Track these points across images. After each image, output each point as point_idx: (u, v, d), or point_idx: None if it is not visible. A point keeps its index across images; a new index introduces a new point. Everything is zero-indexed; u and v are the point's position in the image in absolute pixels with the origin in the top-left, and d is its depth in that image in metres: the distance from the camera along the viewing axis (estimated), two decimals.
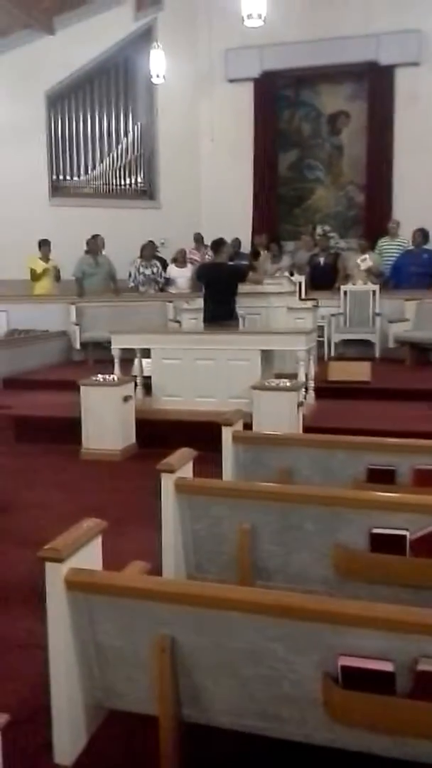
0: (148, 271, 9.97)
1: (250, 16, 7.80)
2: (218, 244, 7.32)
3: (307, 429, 5.34)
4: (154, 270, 10.03)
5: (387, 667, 1.74)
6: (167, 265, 10.56)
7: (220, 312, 6.90)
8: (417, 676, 1.72)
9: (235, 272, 7.07)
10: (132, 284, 10.00)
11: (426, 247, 9.60)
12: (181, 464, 2.92)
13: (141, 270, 9.96)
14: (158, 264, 10.17)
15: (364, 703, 1.77)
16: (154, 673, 1.98)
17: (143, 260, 10.00)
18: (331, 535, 2.64)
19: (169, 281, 10.17)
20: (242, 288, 7.15)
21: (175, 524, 2.85)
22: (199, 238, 10.66)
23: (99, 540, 2.22)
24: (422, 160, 10.78)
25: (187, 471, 2.97)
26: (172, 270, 10.18)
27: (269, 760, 2.12)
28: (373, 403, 6.65)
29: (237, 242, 10.68)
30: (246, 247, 10.80)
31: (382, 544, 2.50)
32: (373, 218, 11.23)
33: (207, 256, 10.21)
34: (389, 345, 8.77)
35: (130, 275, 10.02)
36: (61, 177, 11.62)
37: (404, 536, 2.46)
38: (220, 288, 6.91)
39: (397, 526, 2.52)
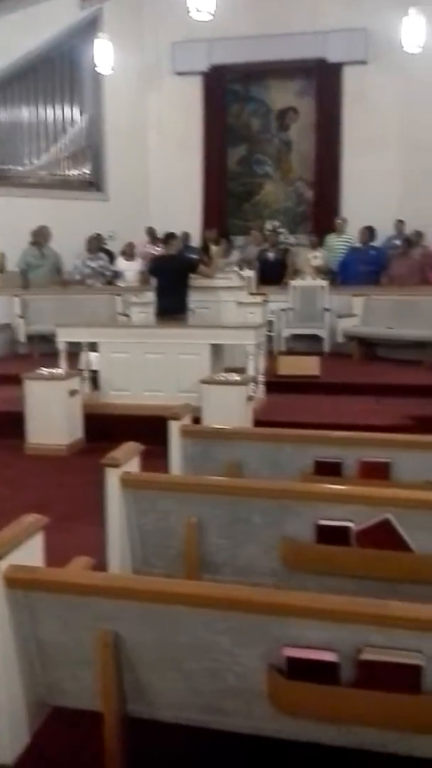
0: (94, 264, 9.85)
1: (197, 10, 7.77)
2: (169, 237, 7.29)
3: (256, 423, 5.36)
4: (101, 263, 9.92)
5: (331, 657, 1.74)
6: (114, 258, 10.45)
7: (173, 304, 6.86)
8: (360, 666, 1.74)
9: (187, 264, 7.05)
10: (78, 277, 9.86)
11: (372, 244, 9.75)
12: (127, 458, 2.88)
13: (87, 263, 9.83)
14: (105, 257, 10.06)
15: (309, 694, 1.77)
16: (98, 669, 1.94)
17: (89, 253, 9.88)
18: (279, 527, 2.64)
19: (117, 274, 10.06)
20: (192, 282, 7.12)
21: (120, 519, 2.81)
22: (152, 232, 10.56)
23: (40, 536, 2.17)
24: (369, 157, 10.92)
25: (133, 465, 2.94)
26: (121, 263, 10.07)
27: (216, 753, 2.10)
28: (322, 397, 6.72)
29: (186, 236, 10.64)
30: (195, 241, 10.77)
31: (328, 535, 2.51)
32: (322, 214, 11.32)
33: (156, 249, 10.17)
34: (338, 340, 8.88)
35: (75, 268, 9.89)
36: (4, 166, 11.35)
37: (349, 528, 2.48)
38: (173, 280, 6.87)
39: (343, 517, 2.54)
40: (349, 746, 1.87)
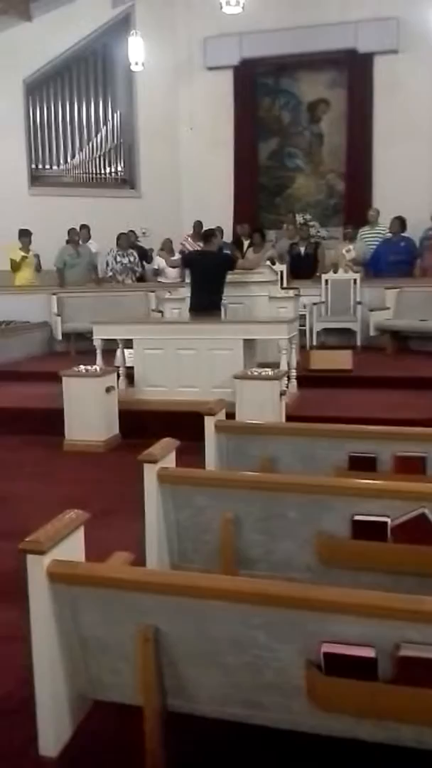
0: (125, 260, 9.94)
1: (228, 3, 7.76)
2: (210, 234, 7.29)
3: (289, 418, 5.36)
4: (131, 259, 10.01)
5: (369, 653, 1.75)
6: (146, 254, 10.51)
7: (209, 301, 6.85)
8: (398, 662, 1.74)
9: (225, 261, 7.03)
10: (110, 273, 9.97)
11: (404, 234, 9.63)
12: (164, 454, 2.91)
13: (118, 259, 9.93)
14: (135, 253, 10.14)
15: (346, 690, 1.79)
16: (138, 664, 1.98)
17: (119, 249, 9.97)
18: (314, 522, 2.65)
19: (158, 271, 10.13)
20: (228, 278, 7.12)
21: (158, 514, 2.84)
22: (197, 225, 10.53)
23: (81, 531, 2.21)
24: (401, 148, 10.80)
25: (169, 461, 2.97)
26: (160, 260, 10.13)
27: (255, 748, 2.13)
28: (354, 391, 6.68)
29: (219, 231, 10.63)
30: (228, 237, 10.76)
31: (364, 530, 2.51)
32: (354, 207, 11.23)
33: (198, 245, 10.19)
34: (370, 333, 8.81)
35: (107, 264, 10.00)
36: (40, 166, 11.51)
37: (386, 523, 2.48)
38: (209, 277, 6.87)
39: (378, 512, 2.54)
40: (387, 742, 1.88)
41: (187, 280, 7.36)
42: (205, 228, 7.55)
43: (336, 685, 1.79)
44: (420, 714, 1.77)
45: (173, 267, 7.07)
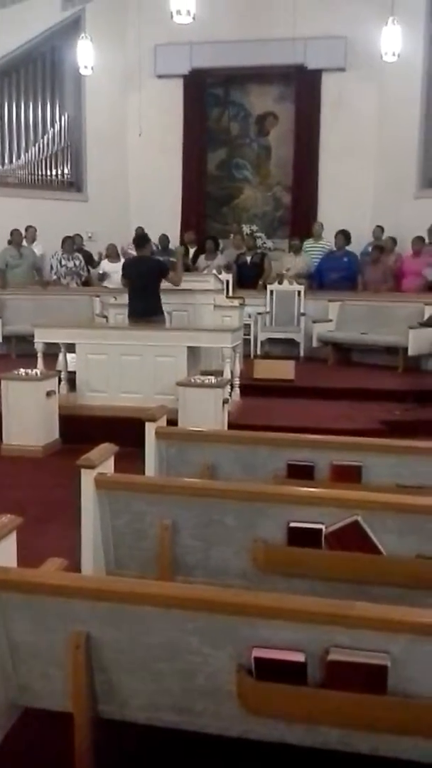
0: (70, 264, 9.86)
1: (179, 12, 7.79)
2: (142, 239, 7.28)
3: (231, 426, 5.39)
4: (76, 263, 9.93)
5: (299, 657, 1.78)
6: (92, 258, 10.44)
7: (145, 307, 6.84)
8: (327, 666, 1.77)
9: (157, 266, 7.03)
10: (54, 277, 9.86)
11: (347, 249, 9.84)
12: (102, 460, 2.89)
13: (63, 262, 9.84)
14: (80, 257, 10.07)
15: (276, 694, 1.80)
16: (69, 670, 1.96)
17: (64, 252, 9.88)
18: (251, 529, 2.67)
19: (103, 276, 10.07)
20: (169, 285, 7.13)
21: (94, 520, 2.82)
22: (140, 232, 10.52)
23: (14, 536, 2.18)
24: (346, 164, 11.03)
25: (108, 467, 2.95)
26: (106, 265, 10.07)
27: (185, 754, 2.13)
28: (296, 401, 6.78)
29: (165, 238, 10.65)
30: (174, 244, 10.78)
31: (299, 537, 2.55)
32: (299, 220, 11.41)
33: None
34: (313, 344, 8.96)
35: (51, 267, 9.89)
36: None
37: (320, 530, 2.52)
38: (143, 283, 6.85)
39: (314, 520, 2.58)
40: (316, 746, 1.91)
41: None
42: (138, 233, 7.55)
43: (266, 690, 1.81)
44: (349, 717, 1.80)
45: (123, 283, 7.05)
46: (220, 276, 8.89)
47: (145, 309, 6.81)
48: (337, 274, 9.63)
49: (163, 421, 3.69)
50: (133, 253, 9.96)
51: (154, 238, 9.85)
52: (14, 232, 9.75)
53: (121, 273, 7.33)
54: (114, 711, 2.02)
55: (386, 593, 2.39)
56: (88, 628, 1.93)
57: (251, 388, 6.83)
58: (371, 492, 2.85)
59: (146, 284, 6.82)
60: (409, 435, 5.24)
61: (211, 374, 6.06)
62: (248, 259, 10.17)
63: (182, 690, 1.94)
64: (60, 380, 6.31)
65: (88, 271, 10.26)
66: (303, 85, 11.49)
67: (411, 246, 9.40)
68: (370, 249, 9.88)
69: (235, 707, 1.88)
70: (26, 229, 9.90)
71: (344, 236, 9.72)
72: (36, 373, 5.89)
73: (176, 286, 6.99)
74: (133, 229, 10.52)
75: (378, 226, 10.23)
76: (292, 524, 2.58)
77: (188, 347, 6.24)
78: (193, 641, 1.88)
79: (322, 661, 1.78)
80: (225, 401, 5.55)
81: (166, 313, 7.04)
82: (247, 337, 8.36)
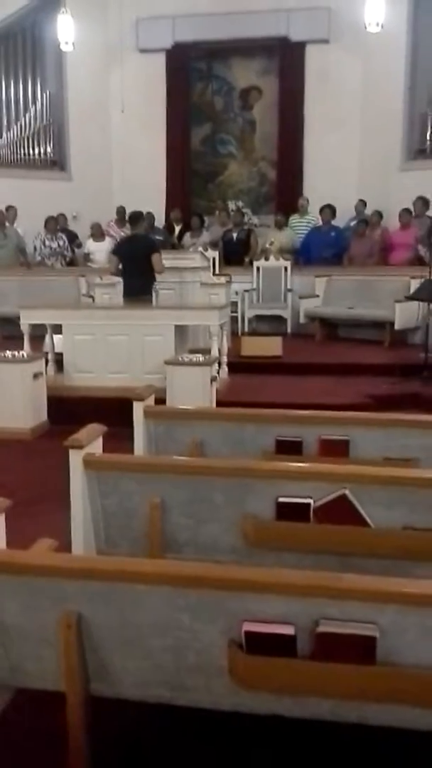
0: (54, 245, 9.78)
1: None
2: (137, 217, 7.20)
3: (220, 403, 5.39)
4: (60, 243, 9.86)
5: (288, 630, 1.79)
6: (76, 238, 10.35)
7: (140, 285, 6.78)
8: (317, 638, 1.78)
9: (150, 245, 6.97)
10: (38, 258, 9.78)
11: (334, 224, 9.79)
12: (90, 440, 2.88)
13: (47, 243, 9.76)
14: (64, 237, 9.99)
15: (267, 667, 1.82)
16: (61, 650, 1.96)
17: (48, 233, 9.79)
18: (240, 505, 2.68)
19: (88, 256, 9.99)
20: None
21: (84, 500, 2.82)
22: (121, 212, 10.45)
23: (2, 519, 2.17)
24: (331, 137, 10.94)
25: (96, 447, 2.95)
26: (90, 244, 9.99)
27: (179, 729, 2.15)
28: (284, 377, 6.78)
29: (150, 216, 10.55)
30: (160, 222, 10.69)
31: (288, 512, 2.56)
32: (285, 195, 11.32)
33: (123, 231, 10.11)
34: (300, 320, 8.95)
35: (35, 248, 9.80)
36: None
37: (308, 504, 2.53)
38: (138, 261, 6.80)
39: (303, 494, 2.59)
40: (306, 717, 1.93)
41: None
42: (132, 211, 7.45)
43: (257, 664, 1.83)
44: (338, 688, 1.82)
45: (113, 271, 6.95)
46: (206, 253, 8.84)
47: (141, 287, 6.76)
48: (324, 250, 9.59)
49: (151, 400, 3.68)
50: (117, 230, 9.93)
51: None
52: None
53: (107, 251, 7.28)
54: (106, 689, 2.03)
55: (374, 565, 2.41)
56: (79, 608, 1.94)
57: (239, 365, 6.83)
58: (359, 465, 2.86)
59: (140, 263, 6.77)
60: (396, 408, 5.28)
61: (199, 352, 6.05)
62: (234, 235, 10.11)
63: (174, 666, 1.95)
64: (47, 362, 6.29)
65: (73, 251, 10.18)
66: (287, 58, 11.35)
67: (399, 219, 9.35)
68: (353, 224, 9.83)
69: (227, 681, 1.89)
70: (7, 210, 9.76)
71: (330, 210, 9.67)
72: (23, 355, 5.86)
73: (160, 273, 6.88)
74: (115, 208, 10.46)
75: (360, 200, 10.17)
76: (281, 499, 2.59)
77: (175, 326, 6.22)
78: (184, 617, 1.89)
79: (312, 634, 1.80)
80: (213, 379, 5.54)
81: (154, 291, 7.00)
82: (234, 314, 8.34)
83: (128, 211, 10.18)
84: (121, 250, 7.12)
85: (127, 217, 7.54)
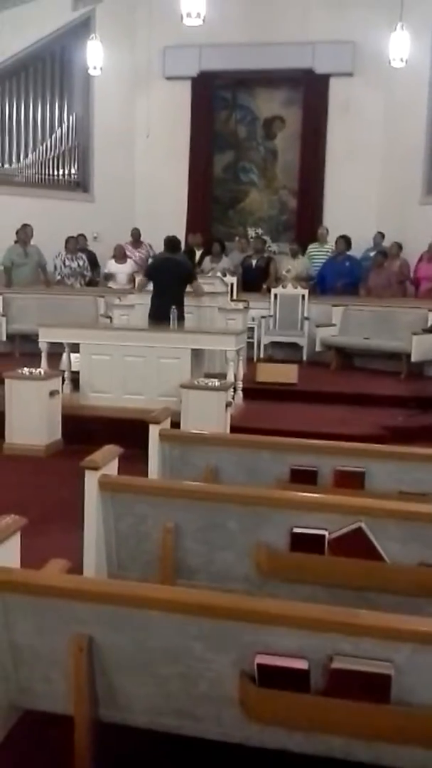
0: (74, 264, 9.90)
1: (189, 15, 7.78)
2: (177, 243, 7.29)
3: (234, 429, 5.38)
4: (80, 263, 9.97)
5: (302, 665, 1.77)
6: (96, 258, 10.46)
7: (169, 309, 6.76)
8: (331, 674, 1.76)
9: (188, 273, 7.02)
10: (58, 277, 9.89)
11: (349, 254, 9.83)
12: (106, 461, 2.89)
13: (66, 263, 9.88)
14: (84, 257, 10.09)
15: (279, 701, 1.80)
16: (71, 673, 1.95)
17: (68, 253, 9.90)
18: (254, 534, 2.67)
19: (108, 276, 10.09)
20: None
21: (98, 522, 2.82)
22: (136, 234, 10.57)
23: (17, 537, 2.17)
24: (352, 168, 11.02)
25: (111, 468, 2.95)
26: (112, 266, 10.10)
27: (185, 759, 2.12)
28: (298, 405, 6.76)
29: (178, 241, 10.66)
30: (181, 246, 10.77)
31: (302, 543, 2.54)
32: (304, 224, 11.39)
33: (139, 252, 10.22)
34: (316, 349, 8.95)
35: (55, 268, 9.92)
36: None
37: (323, 536, 2.51)
38: (174, 285, 6.82)
39: (317, 525, 2.57)
40: (317, 754, 1.90)
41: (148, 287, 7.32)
42: (170, 236, 7.53)
43: (269, 697, 1.80)
44: (351, 726, 1.80)
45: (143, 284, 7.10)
46: (224, 279, 8.90)
47: (169, 311, 6.76)
48: (338, 279, 9.63)
49: (166, 423, 3.69)
50: (131, 250, 10.04)
51: (159, 241, 9.85)
52: (20, 231, 9.74)
53: (128, 273, 7.32)
54: (115, 714, 2.02)
55: (389, 601, 2.39)
56: (91, 631, 1.93)
57: (254, 391, 6.82)
58: (374, 499, 2.84)
59: (175, 287, 6.80)
60: (412, 441, 5.25)
61: (215, 377, 6.06)
62: (254, 262, 10.17)
63: (184, 695, 1.93)
64: (63, 380, 6.31)
65: (92, 271, 10.28)
66: (310, 90, 11.48)
67: (427, 251, 9.39)
68: (371, 254, 9.87)
69: (237, 713, 1.87)
70: (24, 228, 9.83)
71: (345, 241, 9.72)
72: (39, 373, 5.89)
73: (199, 296, 6.94)
74: (135, 230, 10.59)
75: (378, 232, 10.23)
76: (295, 530, 2.57)
77: (192, 350, 6.24)
78: (196, 646, 1.87)
79: (326, 669, 1.78)
80: (228, 404, 5.54)
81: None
82: (250, 340, 8.35)
83: (141, 232, 10.46)
84: (154, 272, 7.17)
85: (167, 242, 7.57)
